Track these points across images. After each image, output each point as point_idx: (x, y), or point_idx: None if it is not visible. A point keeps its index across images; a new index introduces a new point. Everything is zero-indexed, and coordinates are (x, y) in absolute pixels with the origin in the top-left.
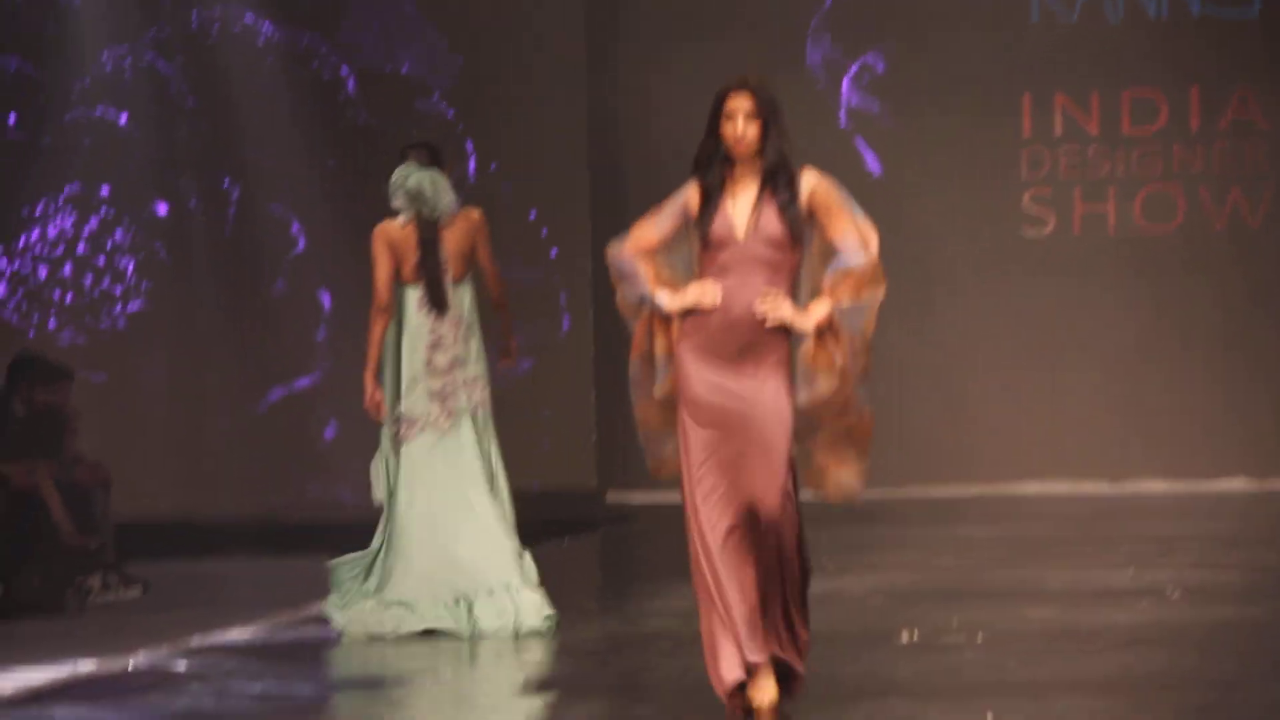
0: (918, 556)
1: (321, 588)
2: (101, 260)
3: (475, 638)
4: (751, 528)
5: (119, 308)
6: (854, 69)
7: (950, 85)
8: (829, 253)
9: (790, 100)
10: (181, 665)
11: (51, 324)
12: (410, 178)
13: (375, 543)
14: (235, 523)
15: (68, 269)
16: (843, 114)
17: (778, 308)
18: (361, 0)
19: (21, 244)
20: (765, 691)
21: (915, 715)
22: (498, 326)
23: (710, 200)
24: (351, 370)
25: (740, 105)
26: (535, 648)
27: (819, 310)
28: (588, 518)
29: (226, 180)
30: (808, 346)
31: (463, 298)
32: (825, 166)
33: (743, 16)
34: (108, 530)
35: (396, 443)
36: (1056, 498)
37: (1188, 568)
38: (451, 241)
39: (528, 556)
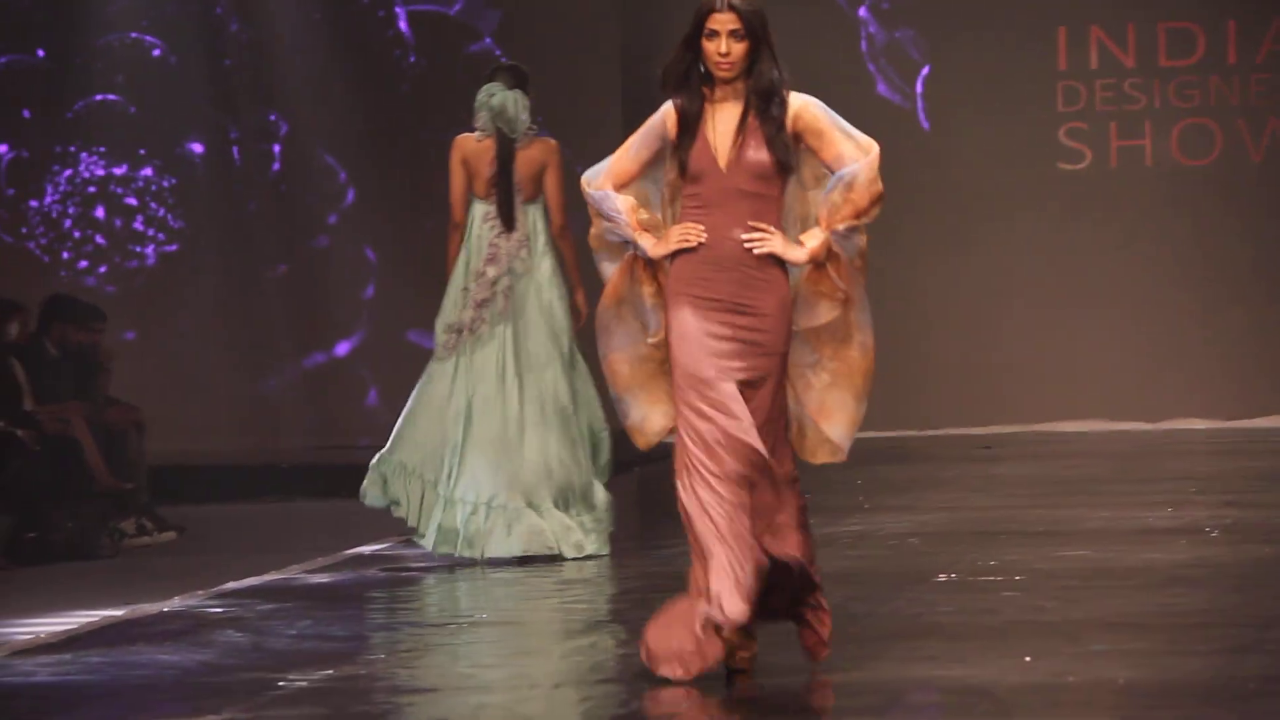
0: (954, 496)
1: (356, 531)
2: (134, 200)
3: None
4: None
5: (153, 248)
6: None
7: (983, 17)
8: (822, 177)
9: (816, 27)
10: (216, 609)
11: (82, 264)
12: (495, 96)
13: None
14: (272, 465)
15: (100, 209)
16: (864, 43)
17: (768, 240)
18: None
19: (53, 182)
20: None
21: (952, 655)
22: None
23: (689, 125)
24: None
25: (725, 21)
26: (574, 587)
27: (813, 241)
28: (622, 457)
29: (273, 117)
30: (806, 273)
31: (532, 218)
32: (851, 98)
33: None
34: (141, 473)
35: (447, 350)
36: (1093, 436)
37: (1225, 506)
38: (525, 163)
39: (596, 489)
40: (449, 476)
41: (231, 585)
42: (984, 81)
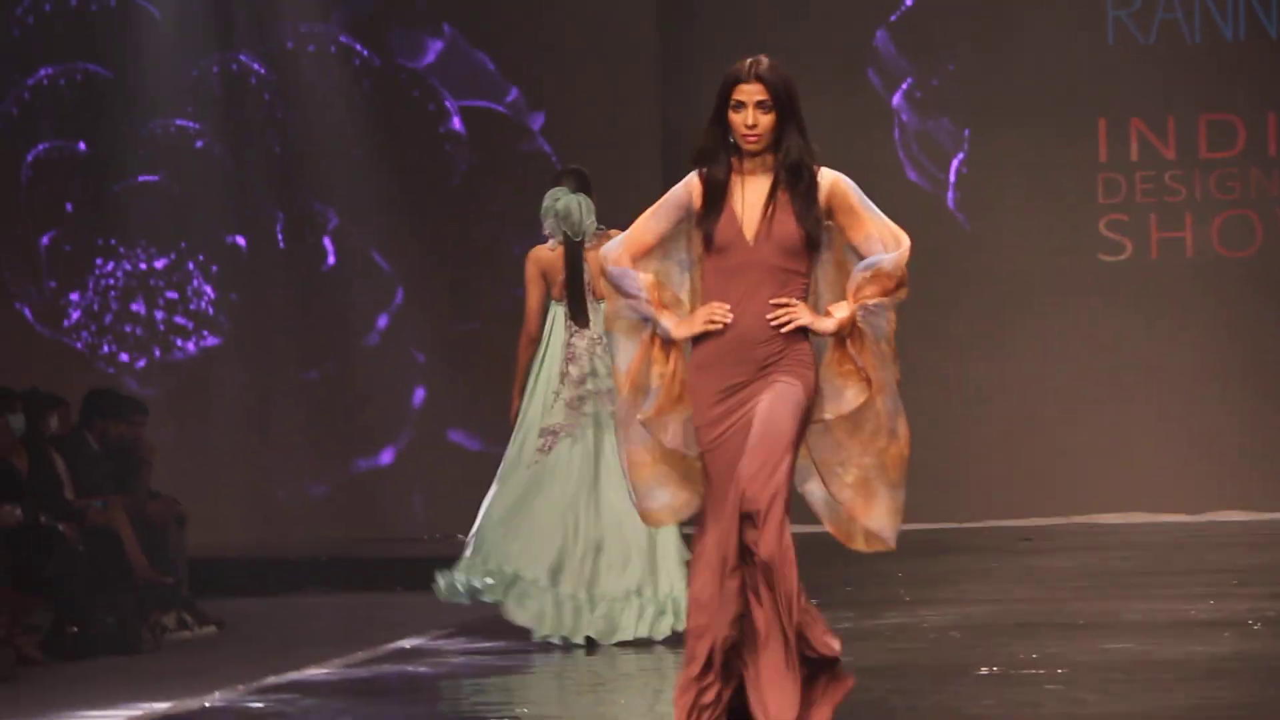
0: (995, 588)
1: (399, 624)
2: (175, 293)
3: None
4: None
5: (194, 341)
6: (918, 88)
7: (1025, 108)
8: (845, 262)
9: (856, 114)
10: (258, 704)
11: (124, 357)
12: (560, 200)
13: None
14: (313, 559)
15: (140, 302)
16: (898, 132)
17: (794, 312)
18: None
19: (94, 276)
20: None
21: None
22: None
23: (715, 196)
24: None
25: (752, 92)
26: (612, 681)
27: (841, 312)
28: None
29: (318, 206)
30: (830, 356)
31: (601, 315)
32: (892, 188)
33: (816, 35)
34: (182, 566)
35: (542, 454)
36: (1133, 528)
37: (1267, 598)
38: (595, 262)
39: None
40: (586, 575)
41: (273, 680)
42: (1025, 173)
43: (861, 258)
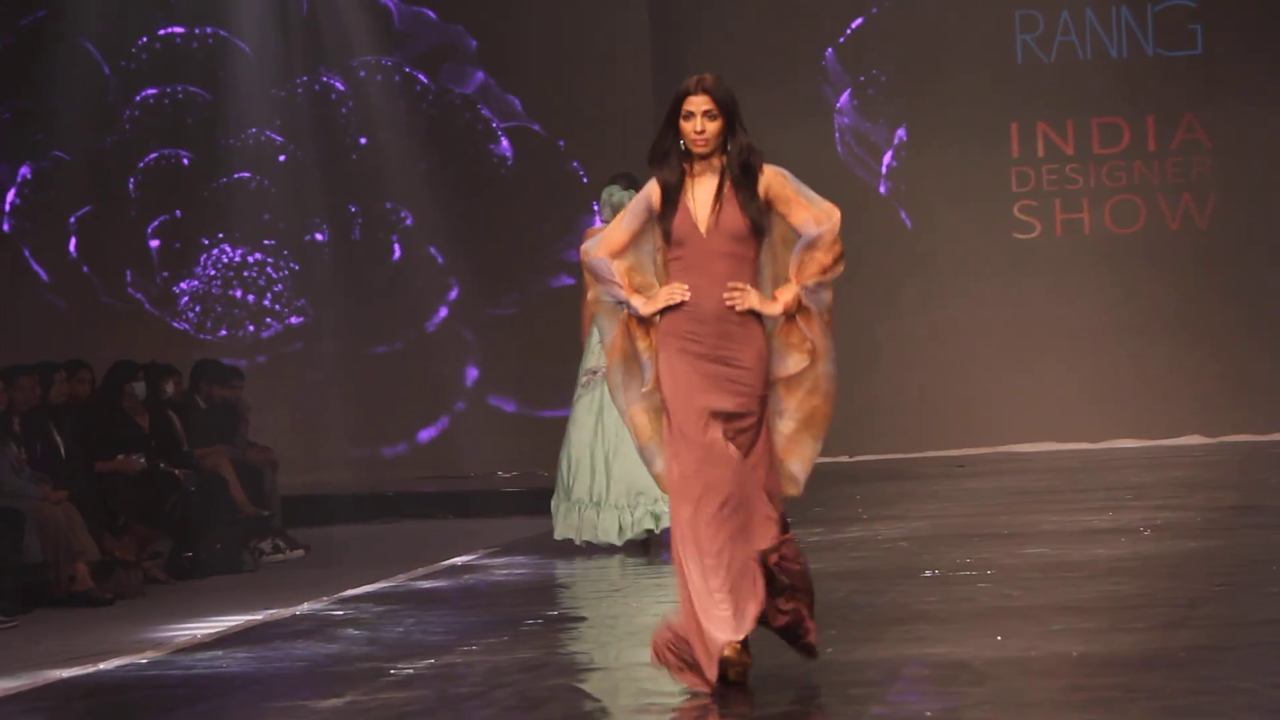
0: (936, 506)
1: (452, 545)
2: (265, 281)
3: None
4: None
5: (280, 320)
6: (857, 97)
7: (950, 116)
8: (790, 240)
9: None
10: (338, 612)
11: (223, 333)
12: (615, 195)
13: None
14: (380, 494)
15: (236, 288)
16: (839, 134)
17: (745, 297)
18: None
19: (200, 265)
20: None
21: (938, 636)
22: None
23: (670, 197)
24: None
25: (699, 103)
26: (638, 583)
27: (786, 295)
28: None
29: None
30: (779, 327)
31: None
32: (849, 190)
33: (790, 72)
34: (276, 502)
35: (584, 388)
36: (1046, 455)
37: (1155, 510)
38: None
39: None
40: (601, 485)
41: (350, 592)
42: (951, 167)
43: (799, 236)
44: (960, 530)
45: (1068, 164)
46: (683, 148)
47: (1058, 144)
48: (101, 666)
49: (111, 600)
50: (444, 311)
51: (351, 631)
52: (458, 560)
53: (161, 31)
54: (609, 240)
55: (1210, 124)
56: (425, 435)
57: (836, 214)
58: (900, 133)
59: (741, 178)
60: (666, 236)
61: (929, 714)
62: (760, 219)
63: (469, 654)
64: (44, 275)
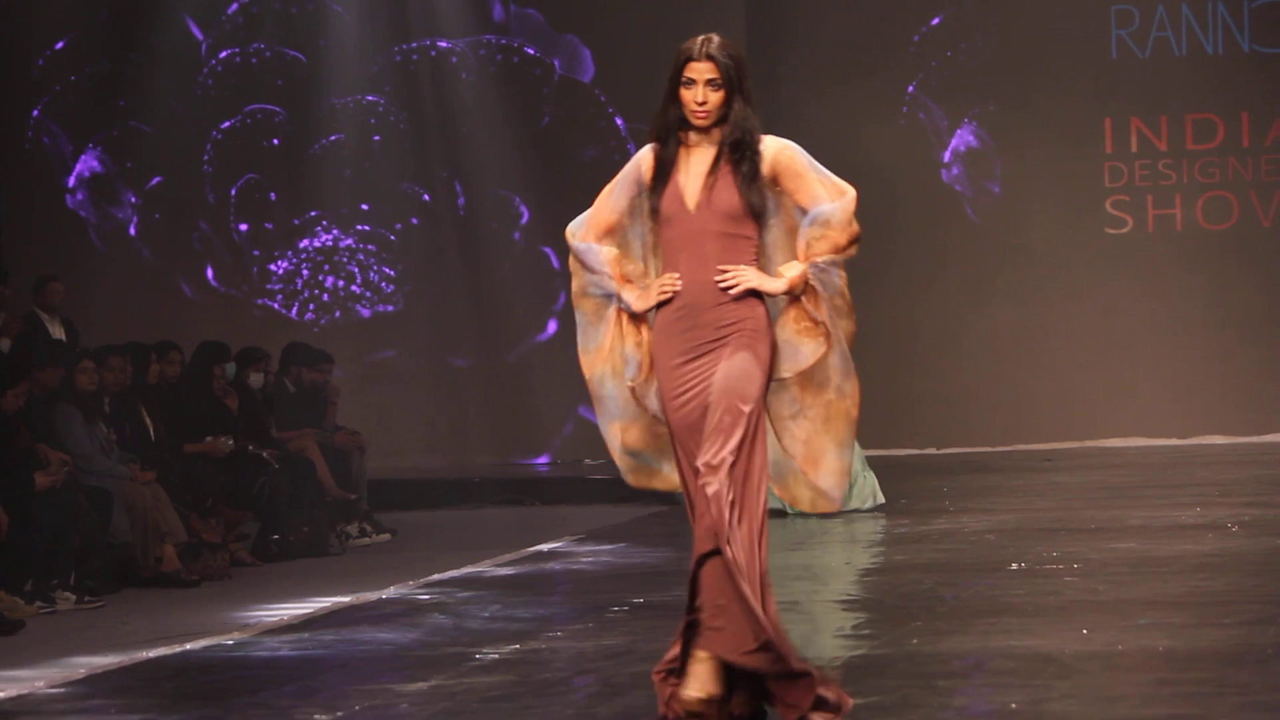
0: (1022, 500)
1: (535, 532)
2: (355, 267)
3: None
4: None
5: (368, 306)
6: (964, 116)
7: (1047, 115)
8: (799, 223)
9: (910, 134)
10: (424, 596)
11: (309, 317)
12: None
13: None
14: (466, 480)
15: (326, 274)
16: (934, 140)
17: (740, 276)
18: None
19: (289, 255)
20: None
21: (1024, 629)
22: None
23: (663, 170)
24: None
25: (703, 70)
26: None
27: (791, 271)
28: None
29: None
30: (786, 314)
31: None
32: (940, 183)
33: (882, 68)
34: (363, 486)
35: None
36: (1134, 450)
37: (1244, 506)
38: None
39: None
40: None
41: (436, 576)
42: (1048, 164)
43: (808, 213)
44: (1047, 524)
45: (1161, 160)
46: (680, 117)
47: (1151, 140)
48: (188, 647)
49: (198, 582)
50: (550, 324)
51: (437, 616)
52: (543, 547)
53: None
54: (597, 219)
55: None
56: (511, 414)
57: (852, 191)
58: (987, 130)
59: (739, 153)
60: (654, 213)
61: (1014, 706)
62: (758, 200)
63: (553, 640)
64: (147, 256)
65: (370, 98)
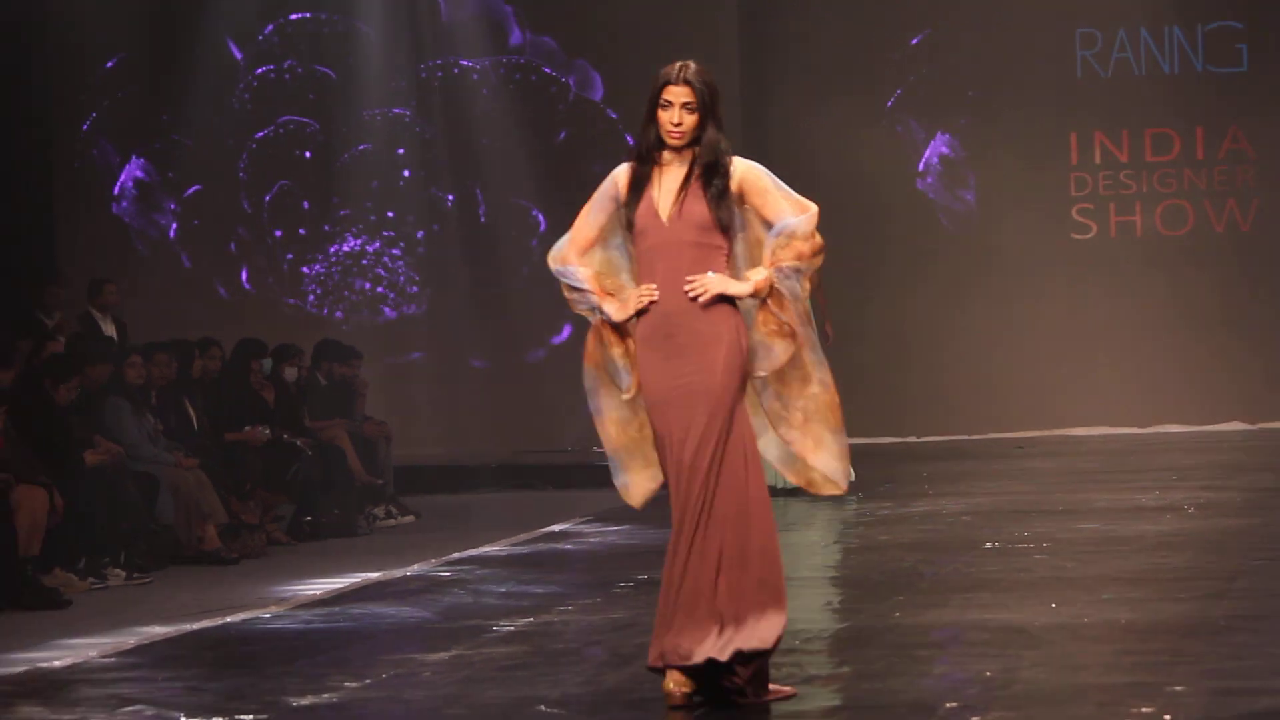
0: (997, 484)
1: (548, 514)
2: (383, 271)
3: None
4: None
5: (393, 307)
6: (937, 129)
7: (1017, 130)
8: (766, 234)
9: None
10: (445, 573)
11: (339, 315)
12: None
13: None
14: (483, 466)
15: (355, 276)
16: (923, 164)
17: (707, 283)
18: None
19: (321, 257)
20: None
21: (997, 603)
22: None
23: (637, 186)
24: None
25: (680, 94)
26: None
27: (757, 275)
28: None
29: (477, 189)
30: (757, 317)
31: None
32: (918, 193)
33: (865, 85)
34: (389, 472)
35: None
36: (1098, 438)
37: (1199, 490)
38: None
39: None
40: None
41: (456, 555)
42: (1017, 175)
43: (774, 226)
44: (1019, 506)
45: (1122, 171)
46: (656, 136)
47: (1113, 152)
48: (229, 620)
49: (238, 559)
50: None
51: (457, 591)
52: (555, 528)
53: (294, 16)
54: (578, 238)
55: (1254, 135)
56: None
57: (814, 207)
58: (958, 142)
59: (710, 172)
60: (629, 225)
61: (988, 674)
62: (726, 216)
63: (565, 614)
64: (186, 261)
65: (396, 110)
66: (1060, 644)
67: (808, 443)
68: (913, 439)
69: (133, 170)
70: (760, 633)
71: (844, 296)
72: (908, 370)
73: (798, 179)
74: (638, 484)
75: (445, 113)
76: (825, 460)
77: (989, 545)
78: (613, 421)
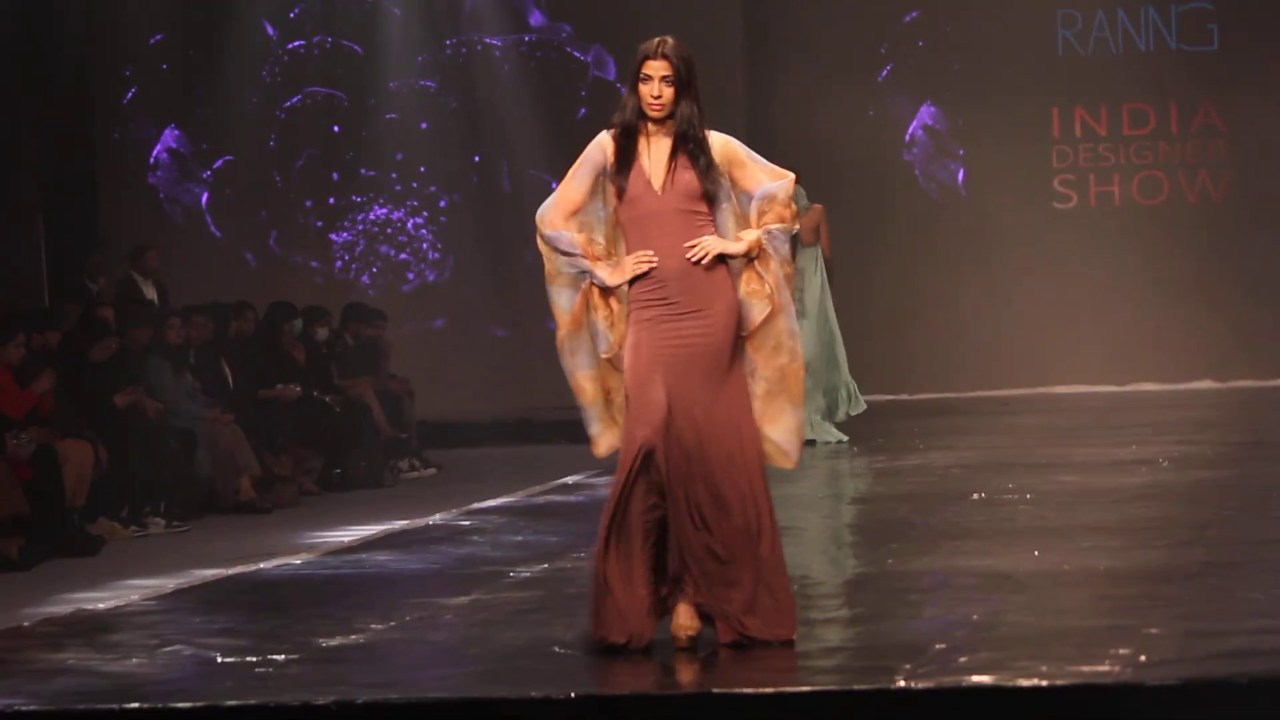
0: (983, 439)
1: (562, 467)
2: (404, 238)
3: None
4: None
5: (415, 273)
6: (924, 101)
7: (1002, 103)
8: (743, 207)
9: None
10: (465, 522)
11: (365, 280)
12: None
13: None
14: (501, 420)
15: (382, 243)
16: (910, 134)
17: (707, 245)
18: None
19: (350, 224)
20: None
21: (983, 551)
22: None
23: (626, 154)
24: None
25: (658, 68)
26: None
27: (749, 235)
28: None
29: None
30: (739, 276)
31: (813, 254)
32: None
33: (867, 64)
34: (412, 427)
35: None
36: (1078, 395)
37: (1173, 444)
38: (805, 222)
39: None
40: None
41: (475, 505)
42: (1002, 146)
43: (753, 193)
44: (1004, 460)
45: (1101, 144)
46: (637, 107)
47: (1093, 126)
48: (262, 566)
49: (271, 509)
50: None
51: (477, 539)
52: (568, 479)
53: None
54: (564, 201)
55: (1225, 111)
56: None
57: (790, 175)
58: (940, 113)
59: (691, 143)
60: (620, 193)
61: (975, 617)
62: (713, 187)
63: (577, 560)
64: (217, 230)
65: (424, 82)
66: (1042, 589)
67: (767, 413)
68: (904, 396)
69: (167, 141)
70: (773, 628)
71: (845, 265)
72: (903, 332)
73: (798, 152)
74: (606, 438)
75: (469, 87)
76: (781, 433)
77: (976, 496)
78: (588, 379)
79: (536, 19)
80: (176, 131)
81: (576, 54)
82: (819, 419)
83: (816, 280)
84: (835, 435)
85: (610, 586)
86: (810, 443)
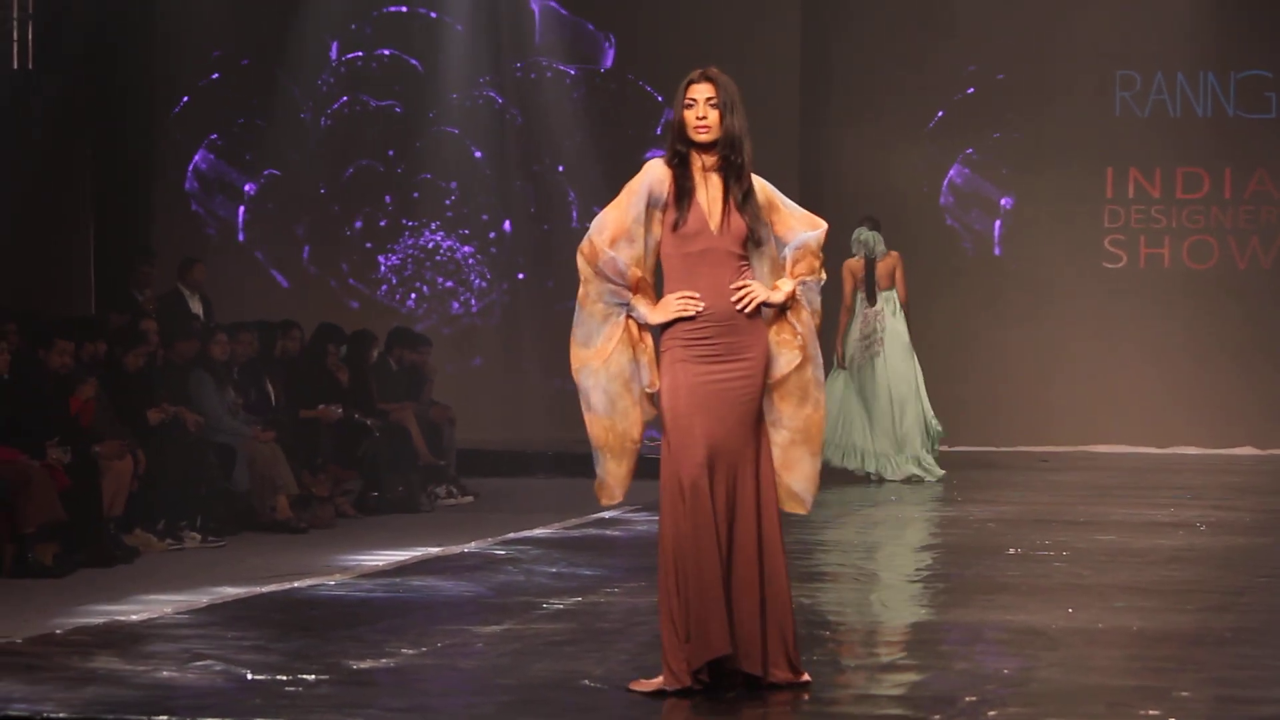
0: (1021, 494)
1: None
2: (453, 265)
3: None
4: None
5: (460, 300)
6: (970, 147)
7: (1055, 161)
8: (779, 246)
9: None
10: (500, 551)
11: (410, 304)
12: (862, 233)
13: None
14: (542, 452)
15: (429, 269)
16: (949, 182)
17: (752, 292)
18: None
19: (396, 249)
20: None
21: (1017, 606)
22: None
23: (684, 188)
24: None
25: (703, 91)
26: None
27: (786, 285)
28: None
29: (571, 195)
30: (771, 325)
31: (889, 297)
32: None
33: (920, 105)
34: (452, 454)
35: (840, 367)
36: (1118, 455)
37: (1210, 509)
38: (883, 269)
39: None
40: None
41: (511, 535)
42: (1053, 205)
43: (787, 241)
44: (1041, 516)
45: (1153, 206)
46: (684, 135)
47: (1146, 188)
48: (296, 585)
49: (306, 529)
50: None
51: (510, 569)
52: (604, 514)
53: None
54: (617, 225)
55: (1279, 178)
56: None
57: (824, 224)
58: (993, 167)
59: (733, 171)
60: (675, 226)
61: (1006, 671)
62: (763, 232)
63: (611, 595)
64: (281, 279)
65: (490, 92)
66: (1075, 646)
67: (786, 460)
68: (944, 449)
69: (207, 154)
70: (784, 671)
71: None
72: (944, 382)
73: (853, 202)
74: (612, 487)
75: (535, 112)
76: (798, 480)
77: (1012, 551)
78: (601, 426)
79: (609, 62)
80: (221, 143)
81: (649, 89)
82: (925, 454)
83: (898, 322)
84: (938, 472)
85: (707, 598)
86: (917, 479)
